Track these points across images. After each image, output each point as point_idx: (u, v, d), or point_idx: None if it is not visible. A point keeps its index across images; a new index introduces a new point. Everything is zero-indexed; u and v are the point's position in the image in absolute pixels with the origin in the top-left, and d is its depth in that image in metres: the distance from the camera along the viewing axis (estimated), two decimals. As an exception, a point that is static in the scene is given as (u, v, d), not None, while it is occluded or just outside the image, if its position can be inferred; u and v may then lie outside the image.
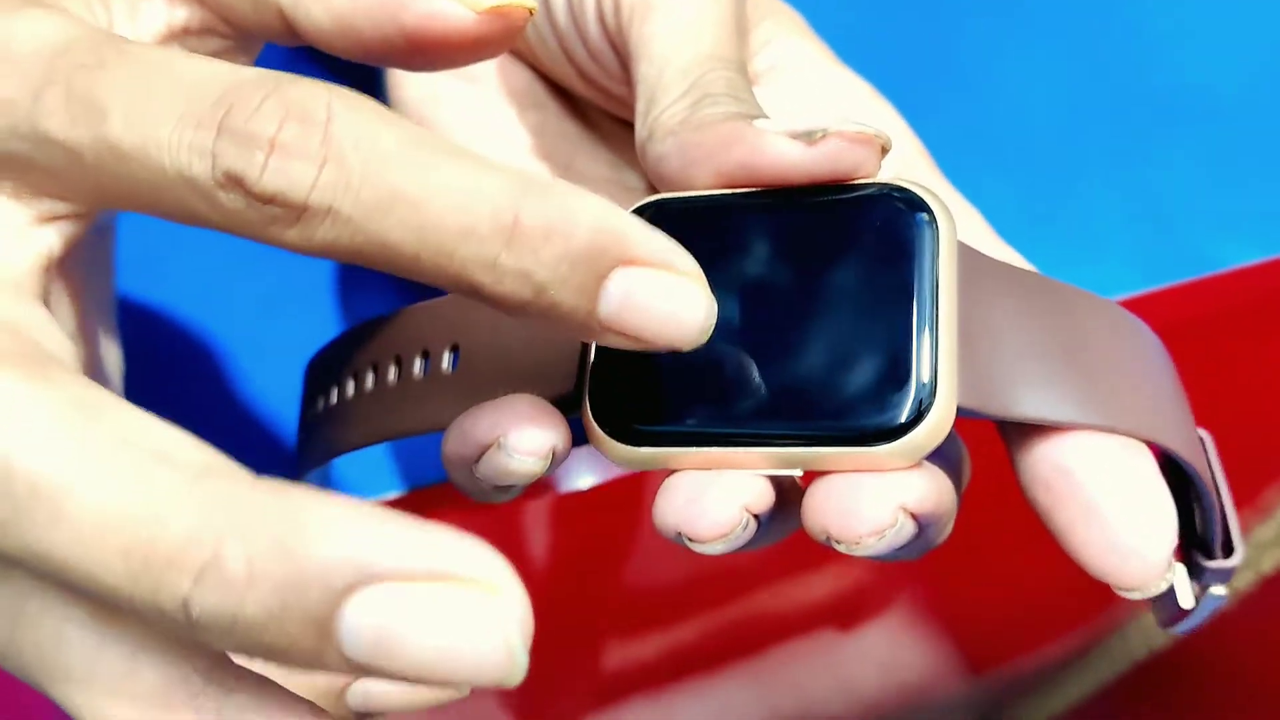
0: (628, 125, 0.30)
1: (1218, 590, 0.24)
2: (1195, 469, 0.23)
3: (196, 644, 0.18)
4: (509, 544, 0.36)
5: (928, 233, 0.21)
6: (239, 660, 0.19)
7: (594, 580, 0.39)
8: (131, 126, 0.19)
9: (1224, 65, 0.40)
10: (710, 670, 0.45)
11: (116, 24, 0.22)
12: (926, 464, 0.21)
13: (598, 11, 0.26)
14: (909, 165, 0.27)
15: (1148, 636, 0.51)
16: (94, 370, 0.25)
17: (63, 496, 0.17)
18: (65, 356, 0.19)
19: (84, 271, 0.24)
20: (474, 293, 0.19)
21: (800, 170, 0.22)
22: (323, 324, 0.35)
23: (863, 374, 0.21)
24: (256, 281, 0.36)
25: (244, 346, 0.35)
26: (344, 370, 0.27)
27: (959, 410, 0.20)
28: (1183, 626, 0.24)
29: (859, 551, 0.21)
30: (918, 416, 0.20)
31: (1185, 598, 0.23)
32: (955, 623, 0.50)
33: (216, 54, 0.23)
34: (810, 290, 0.21)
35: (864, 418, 0.20)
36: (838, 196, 0.22)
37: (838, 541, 0.21)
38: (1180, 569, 0.23)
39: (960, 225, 0.23)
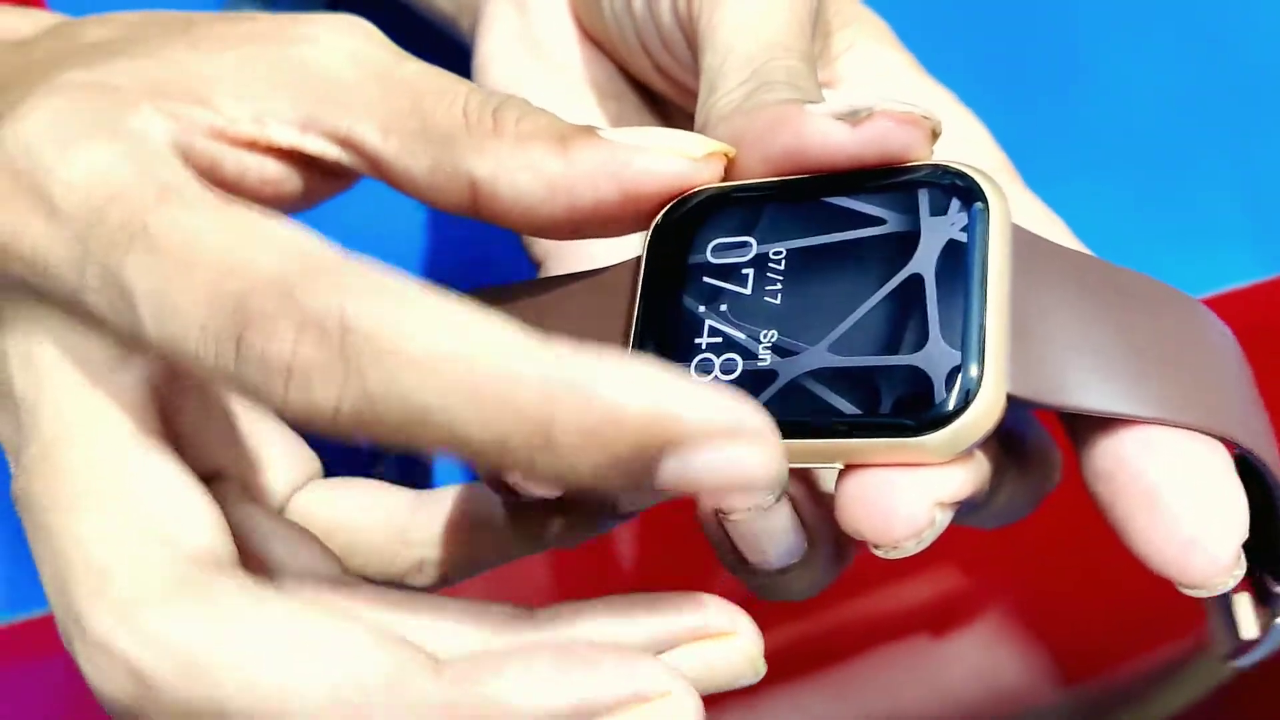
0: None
1: None
2: (1269, 468, 0.21)
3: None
4: (593, 550, 0.36)
5: (980, 216, 0.20)
6: None
7: (684, 583, 0.39)
8: (159, 326, 0.19)
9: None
10: (801, 677, 0.45)
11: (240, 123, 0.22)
12: (969, 457, 0.20)
13: (671, 1, 0.26)
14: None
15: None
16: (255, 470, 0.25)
17: (276, 698, 0.18)
18: (223, 552, 0.20)
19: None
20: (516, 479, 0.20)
21: (846, 153, 0.21)
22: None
23: (907, 364, 0.20)
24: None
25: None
26: None
27: (1012, 399, 0.20)
28: (1248, 659, 0.22)
29: (898, 554, 0.20)
30: (964, 404, 0.19)
31: (1249, 627, 0.22)
32: (1051, 630, 0.49)
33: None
34: (851, 278, 0.21)
35: (907, 408, 0.20)
36: (884, 180, 0.21)
37: (875, 546, 0.20)
38: (1245, 598, 0.22)
39: (1042, 234, 0.22)
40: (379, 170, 0.22)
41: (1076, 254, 0.21)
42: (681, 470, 0.17)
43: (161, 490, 0.20)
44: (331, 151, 0.22)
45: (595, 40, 0.31)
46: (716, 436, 0.17)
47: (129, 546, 0.20)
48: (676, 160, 0.21)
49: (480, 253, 0.37)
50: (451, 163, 0.21)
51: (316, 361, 0.18)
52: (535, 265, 0.29)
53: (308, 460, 0.26)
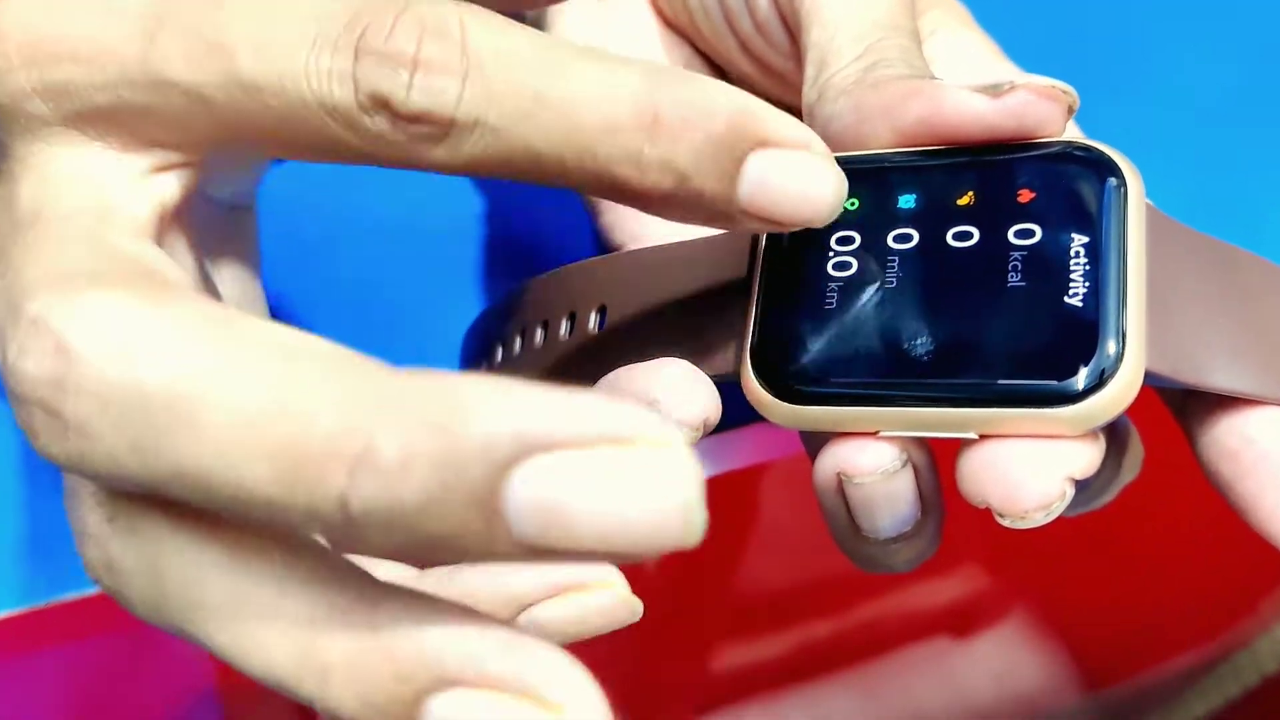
0: (781, 106, 0.30)
1: None
2: None
3: (353, 570, 0.18)
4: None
5: (1116, 193, 0.20)
6: (384, 575, 0.18)
7: (702, 582, 0.39)
8: (262, 59, 0.18)
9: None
10: (820, 677, 0.45)
11: None
12: (1095, 435, 0.20)
13: None
14: None
15: (1278, 650, 0.49)
16: None
17: (200, 407, 0.16)
18: (185, 282, 0.19)
19: (212, 236, 0.24)
20: (618, 189, 0.19)
21: (983, 124, 0.21)
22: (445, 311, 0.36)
23: (1045, 336, 0.20)
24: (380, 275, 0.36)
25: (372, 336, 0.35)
26: (494, 339, 0.27)
27: (1147, 376, 0.20)
28: None
29: (1023, 525, 0.20)
30: (1104, 379, 0.19)
31: None
32: (1073, 635, 0.49)
33: None
34: (988, 249, 0.21)
35: (1048, 379, 0.19)
36: (1019, 154, 0.21)
37: (1001, 515, 0.20)
38: None
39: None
40: None
41: (1201, 235, 0.21)
42: (763, 170, 0.18)
43: (141, 247, 0.19)
44: None
45: (674, 26, 0.31)
46: (793, 145, 0.19)
47: (92, 256, 0.19)
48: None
49: (529, 221, 0.37)
50: None
51: (440, 56, 0.18)
52: (590, 213, 0.30)
53: None
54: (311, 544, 0.18)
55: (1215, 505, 0.22)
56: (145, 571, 0.18)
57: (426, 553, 0.16)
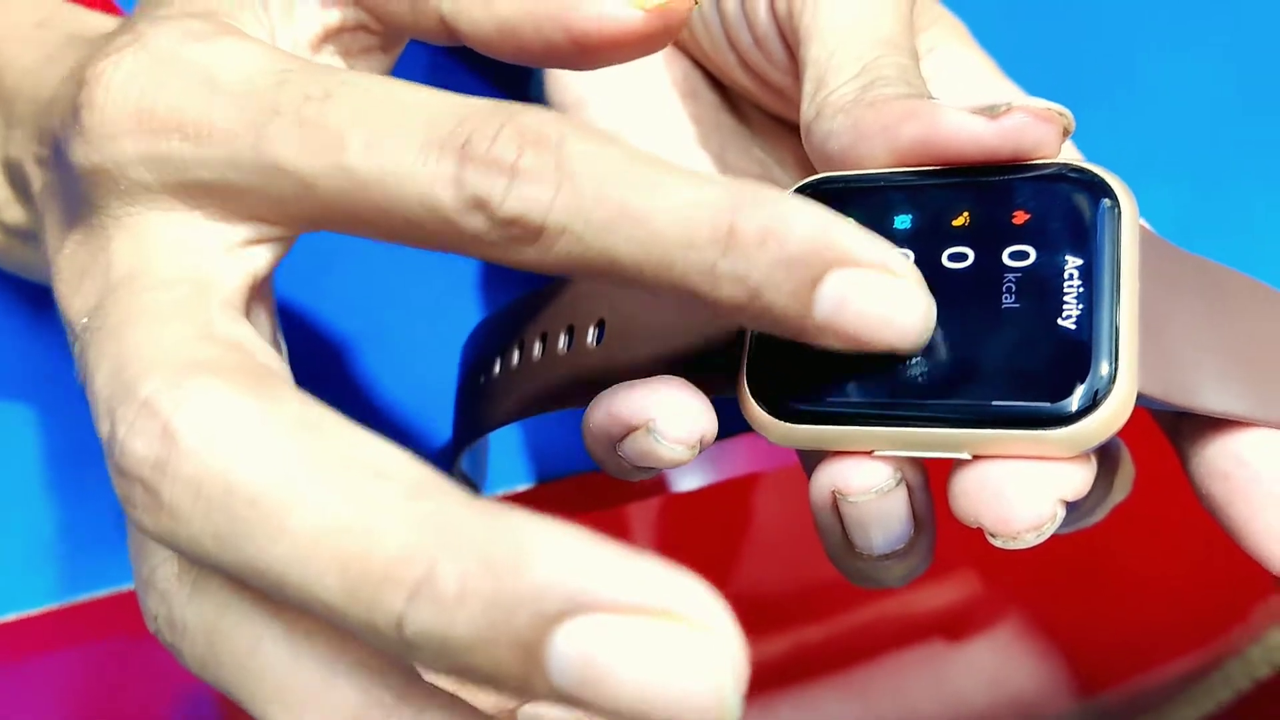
0: (779, 121, 0.30)
1: None
2: None
3: (401, 662, 0.18)
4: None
5: (1110, 215, 0.20)
6: (431, 679, 0.19)
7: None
8: (373, 155, 0.19)
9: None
10: (813, 681, 0.45)
11: (277, 29, 0.23)
12: (1087, 456, 0.20)
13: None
14: None
15: (1271, 657, 0.49)
16: None
17: (284, 511, 0.17)
18: (282, 372, 0.20)
19: (272, 291, 0.25)
20: (692, 298, 0.19)
21: (980, 145, 0.21)
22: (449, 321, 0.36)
23: (1038, 358, 0.20)
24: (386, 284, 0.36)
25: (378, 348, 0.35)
26: (493, 350, 0.27)
27: (1139, 398, 0.20)
28: None
29: (1014, 545, 0.20)
30: (1097, 401, 0.19)
31: None
32: (1067, 640, 0.49)
33: (365, 50, 0.24)
34: (982, 270, 0.21)
35: (1040, 401, 0.20)
36: (1013, 176, 0.21)
37: (993, 535, 0.20)
38: None
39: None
40: (378, 14, 0.23)
41: (1193, 256, 0.22)
42: (842, 293, 0.19)
43: (237, 327, 0.20)
44: (349, 16, 0.23)
45: (674, 39, 0.31)
46: (874, 268, 0.19)
47: (198, 338, 0.19)
48: (624, 10, 0.21)
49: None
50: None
51: (537, 167, 0.19)
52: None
53: None
54: None
55: (1207, 516, 0.22)
56: (205, 631, 0.19)
57: (473, 680, 0.16)
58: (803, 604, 0.41)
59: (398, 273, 0.36)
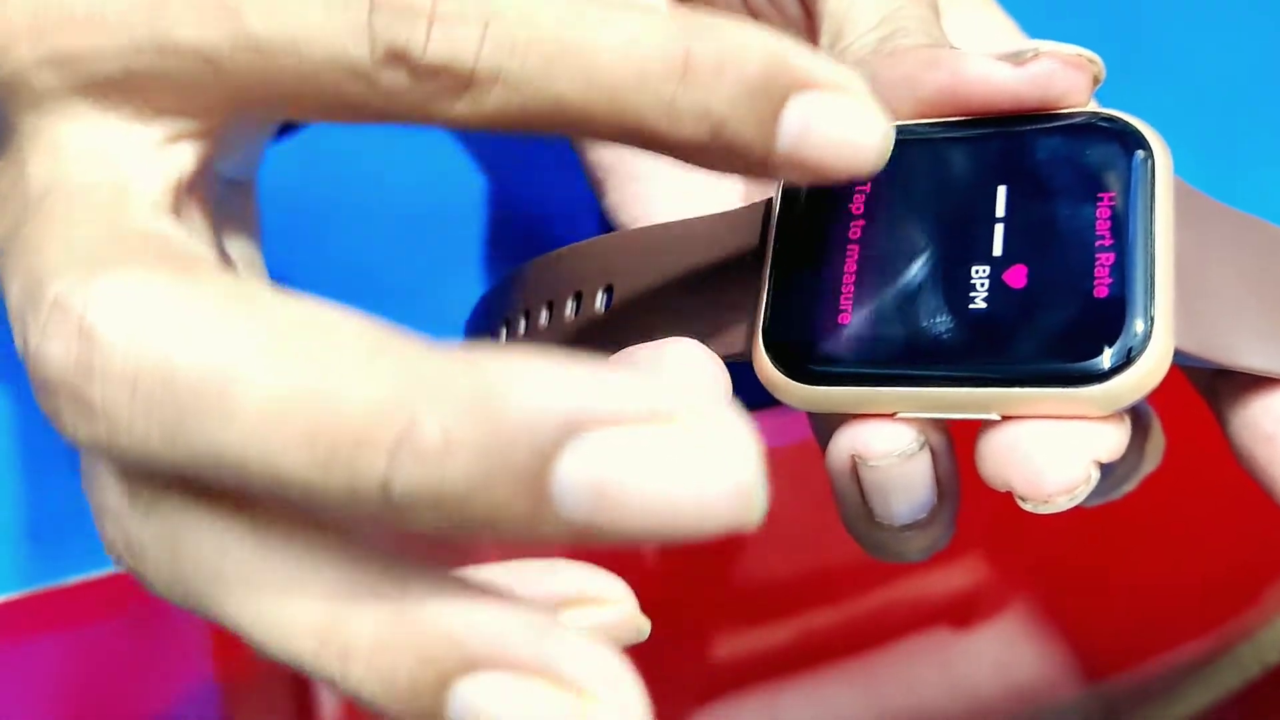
0: None
1: None
2: None
3: (379, 541, 0.17)
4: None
5: (1144, 165, 0.20)
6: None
7: (701, 572, 0.39)
8: (273, 17, 0.18)
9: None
10: (819, 666, 0.45)
11: None
12: (1120, 417, 0.19)
13: None
14: None
15: None
16: None
17: (233, 390, 0.16)
18: (208, 259, 0.19)
19: (217, 211, 0.24)
20: (652, 140, 0.18)
21: (1006, 93, 0.20)
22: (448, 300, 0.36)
23: (1069, 314, 0.19)
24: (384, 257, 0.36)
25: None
26: (497, 319, 0.27)
27: (1176, 355, 0.19)
28: None
29: (1046, 509, 0.19)
30: (1132, 358, 0.19)
31: None
32: (1074, 626, 0.49)
33: None
34: (1011, 224, 0.20)
35: (1073, 358, 0.19)
36: (1043, 125, 0.20)
37: (1023, 499, 0.19)
38: None
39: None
40: None
41: (1231, 210, 0.21)
42: (804, 116, 0.18)
43: (159, 223, 0.19)
44: None
45: None
46: (834, 88, 0.18)
47: (111, 238, 0.18)
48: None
49: (534, 202, 0.37)
50: None
51: (458, 6, 0.17)
52: (596, 192, 0.30)
53: None
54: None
55: (1216, 497, 0.22)
56: (165, 548, 0.18)
57: (472, 533, 0.15)
58: (809, 589, 0.41)
59: (396, 247, 0.36)
